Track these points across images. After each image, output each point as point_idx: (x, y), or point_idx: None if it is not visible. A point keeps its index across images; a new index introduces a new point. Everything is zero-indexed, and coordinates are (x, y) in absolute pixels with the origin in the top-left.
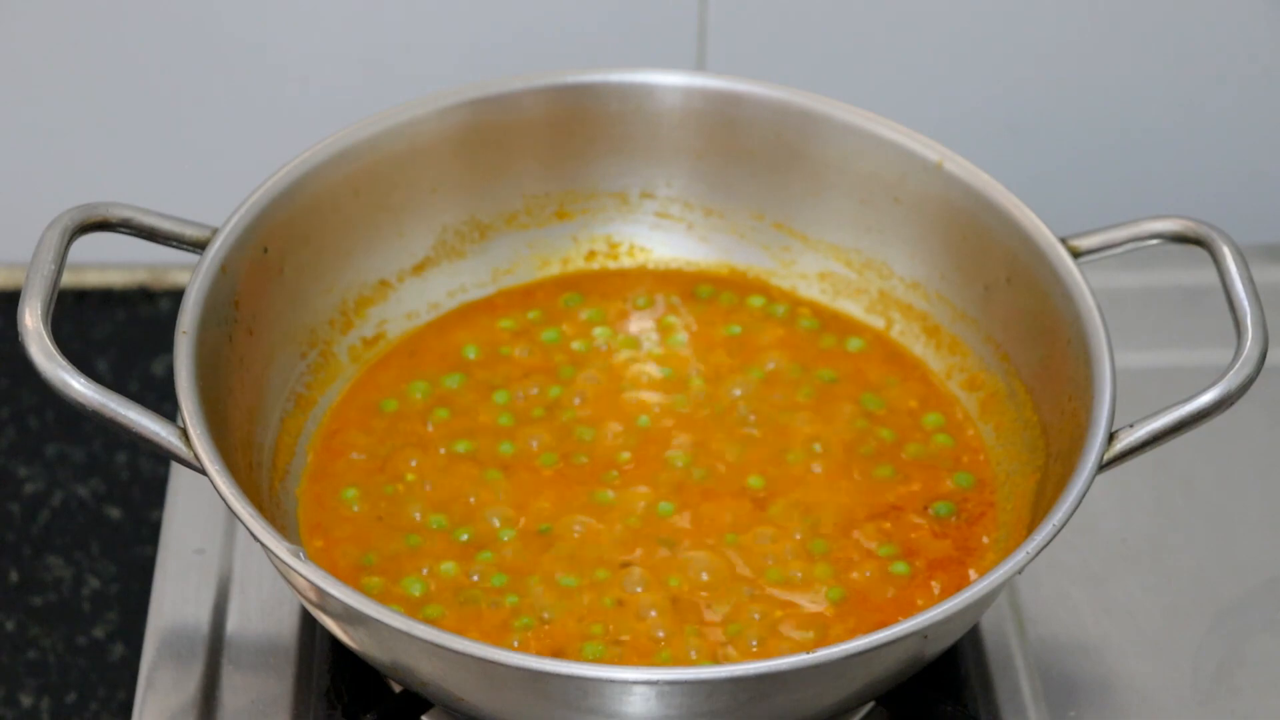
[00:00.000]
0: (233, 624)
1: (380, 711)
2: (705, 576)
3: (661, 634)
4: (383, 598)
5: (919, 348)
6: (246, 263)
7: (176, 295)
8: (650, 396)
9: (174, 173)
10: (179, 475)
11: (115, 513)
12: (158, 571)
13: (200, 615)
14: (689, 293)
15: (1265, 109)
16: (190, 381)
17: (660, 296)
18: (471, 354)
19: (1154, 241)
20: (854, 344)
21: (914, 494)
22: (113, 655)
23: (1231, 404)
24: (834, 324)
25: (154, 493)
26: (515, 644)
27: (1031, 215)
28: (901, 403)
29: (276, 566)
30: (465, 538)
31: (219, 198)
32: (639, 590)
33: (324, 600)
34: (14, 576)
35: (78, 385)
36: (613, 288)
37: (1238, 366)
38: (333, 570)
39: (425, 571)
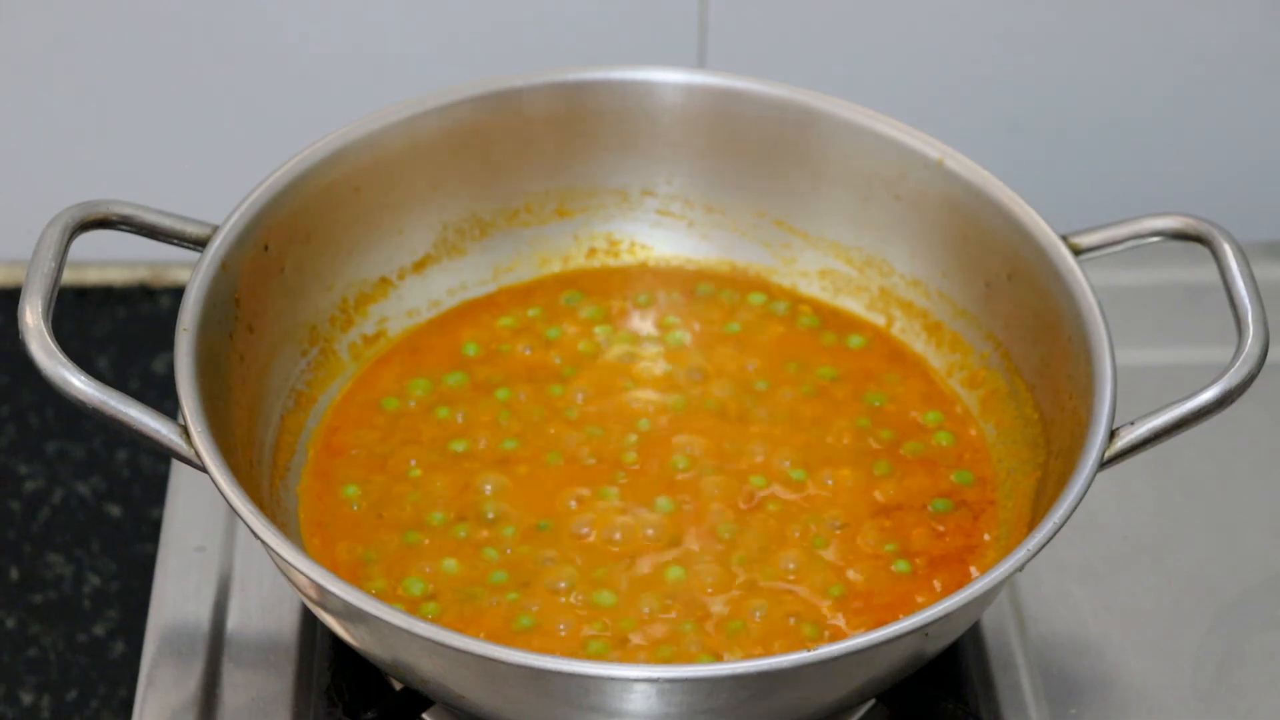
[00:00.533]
0: (233, 622)
1: (381, 709)
2: (706, 574)
3: (662, 632)
4: (383, 595)
5: (920, 345)
6: (247, 260)
7: (177, 293)
8: (651, 394)
9: (174, 170)
10: (179, 473)
11: (116, 510)
12: (158, 569)
13: (201, 613)
14: (690, 290)
15: (1266, 106)
16: (191, 379)
17: (661, 294)
18: (472, 352)
19: (1155, 239)
20: (855, 341)
21: (915, 491)
22: (113, 653)
23: (1232, 401)
24: (834, 321)
25: (154, 490)
26: (516, 642)
27: (1032, 213)
28: (902, 400)
29: (277, 564)
30: (465, 535)
31: (219, 195)
32: (640, 587)
33: (324, 598)
34: (14, 574)
35: (78, 383)
36: (614, 285)
37: (1239, 364)
38: (333, 568)
39: (426, 569)
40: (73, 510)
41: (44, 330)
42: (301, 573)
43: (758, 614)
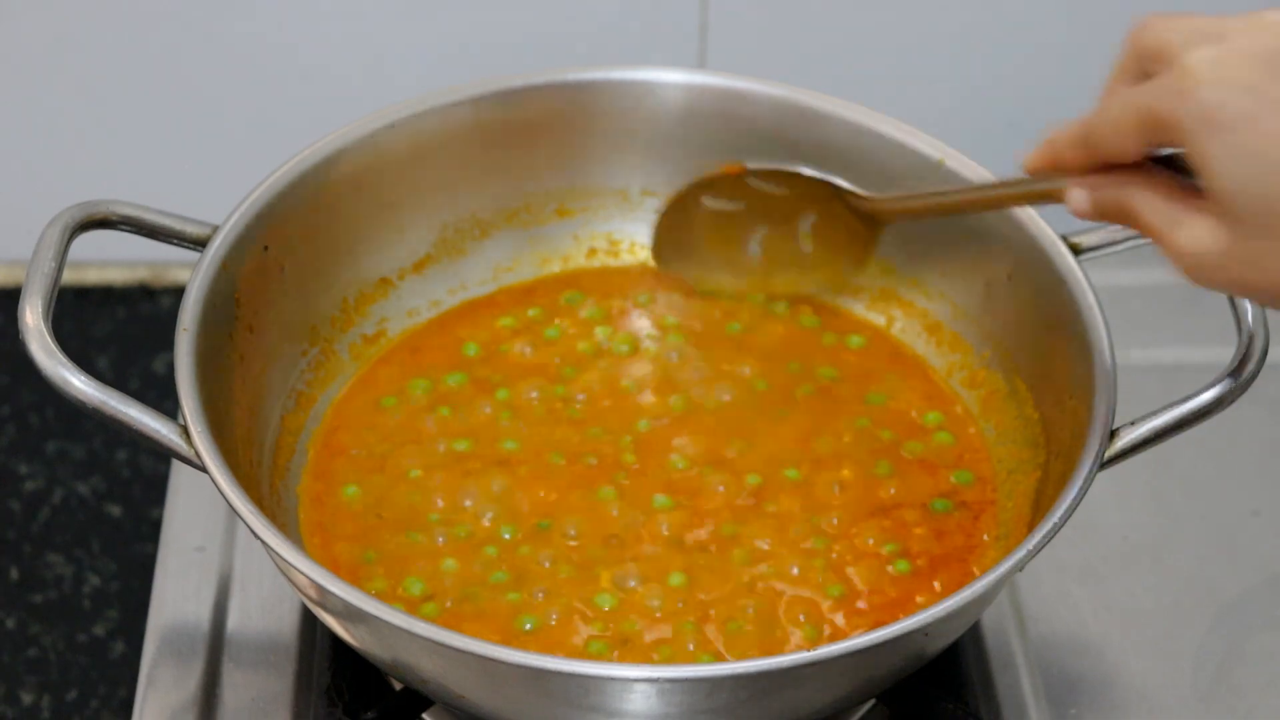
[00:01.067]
0: (233, 621)
1: (381, 709)
2: (706, 573)
3: (663, 631)
4: (383, 595)
5: (920, 345)
6: (247, 260)
7: (177, 293)
8: (651, 395)
9: (174, 170)
10: (179, 473)
11: (116, 510)
12: (158, 569)
13: (201, 613)
14: (690, 290)
15: None
16: (191, 379)
17: (661, 294)
18: (472, 351)
19: None
20: (855, 341)
21: (915, 491)
22: (113, 653)
23: (1232, 401)
24: (835, 321)
25: (154, 490)
26: (516, 642)
27: (1032, 213)
28: (902, 400)
29: (277, 564)
30: (466, 535)
31: (220, 195)
32: (640, 587)
33: (324, 598)
34: (14, 574)
35: (78, 383)
36: (614, 285)
37: (1239, 364)
38: (333, 568)
39: (426, 569)
40: (73, 510)
41: (44, 330)
42: (301, 573)
43: (758, 614)
